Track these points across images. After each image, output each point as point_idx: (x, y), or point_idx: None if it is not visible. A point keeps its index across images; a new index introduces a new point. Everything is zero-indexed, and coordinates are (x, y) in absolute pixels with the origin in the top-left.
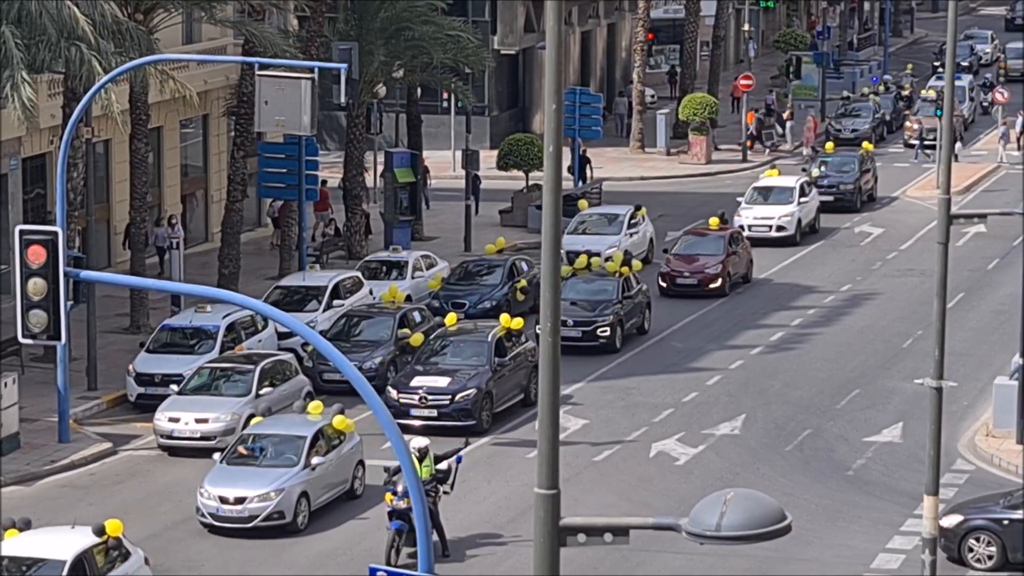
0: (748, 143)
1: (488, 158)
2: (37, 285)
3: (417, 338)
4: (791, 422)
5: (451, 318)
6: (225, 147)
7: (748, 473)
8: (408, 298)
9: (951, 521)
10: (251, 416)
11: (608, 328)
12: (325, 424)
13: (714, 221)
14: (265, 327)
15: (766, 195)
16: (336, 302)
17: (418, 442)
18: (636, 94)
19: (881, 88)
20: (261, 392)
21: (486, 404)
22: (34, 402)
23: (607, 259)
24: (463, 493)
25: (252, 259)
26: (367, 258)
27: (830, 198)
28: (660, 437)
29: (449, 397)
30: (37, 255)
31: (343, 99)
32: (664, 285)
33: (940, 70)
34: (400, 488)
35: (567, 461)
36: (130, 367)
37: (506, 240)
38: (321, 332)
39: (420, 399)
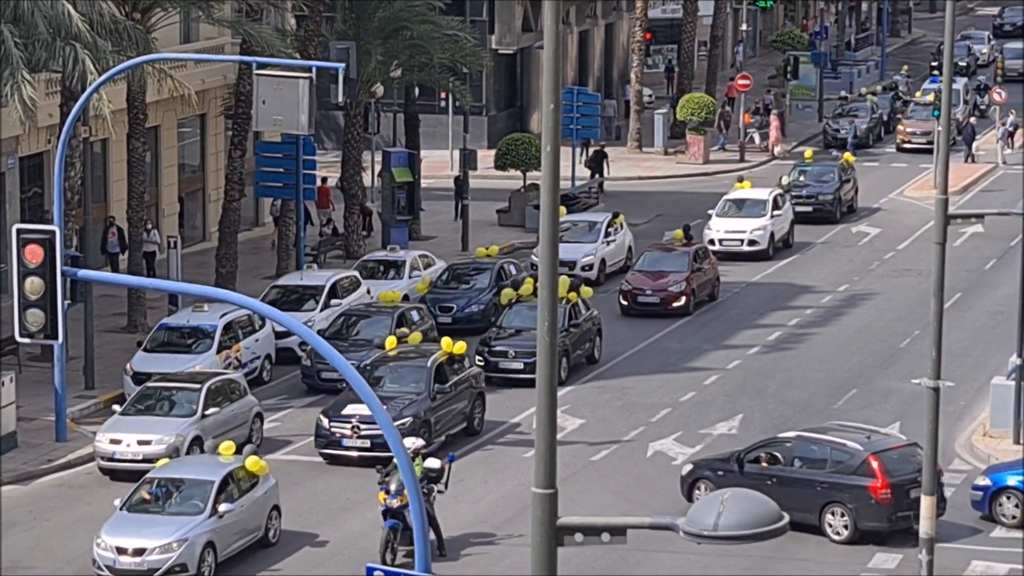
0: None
1: (486, 158)
2: (34, 284)
3: (416, 337)
4: (788, 422)
5: (391, 342)
6: (223, 146)
7: None
8: (405, 297)
9: (685, 470)
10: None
11: None
12: (236, 467)
13: (678, 234)
14: (263, 326)
15: (738, 207)
16: (334, 301)
17: (411, 442)
18: (634, 94)
19: (879, 88)
20: (207, 413)
21: (424, 433)
22: (31, 401)
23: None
24: (460, 493)
25: (250, 258)
26: (364, 257)
27: (808, 208)
28: (657, 437)
29: None
30: (34, 254)
31: (341, 98)
32: (625, 303)
33: (936, 72)
34: (393, 487)
35: (564, 461)
36: (127, 366)
37: (499, 248)
38: (319, 331)
39: (352, 428)
